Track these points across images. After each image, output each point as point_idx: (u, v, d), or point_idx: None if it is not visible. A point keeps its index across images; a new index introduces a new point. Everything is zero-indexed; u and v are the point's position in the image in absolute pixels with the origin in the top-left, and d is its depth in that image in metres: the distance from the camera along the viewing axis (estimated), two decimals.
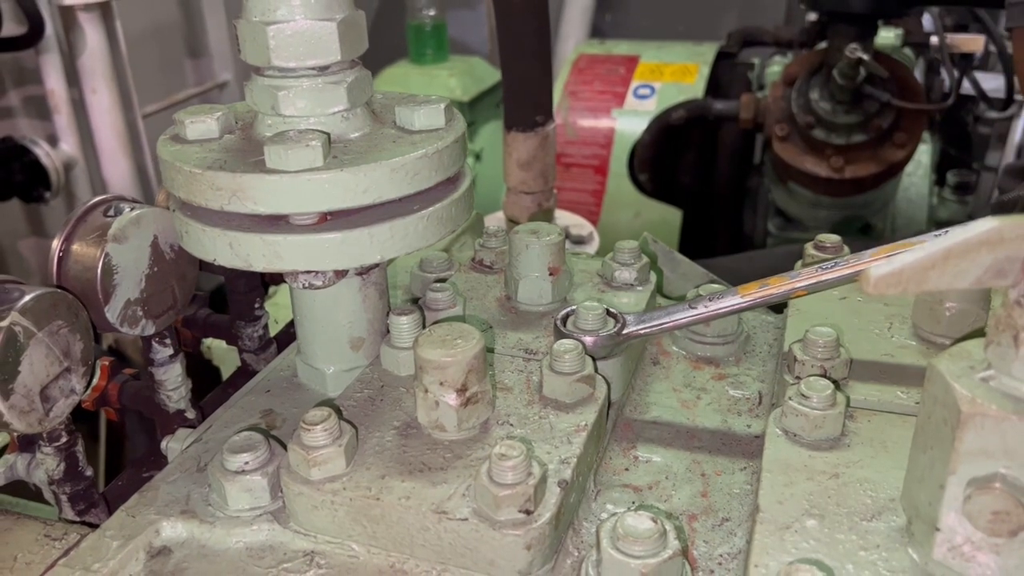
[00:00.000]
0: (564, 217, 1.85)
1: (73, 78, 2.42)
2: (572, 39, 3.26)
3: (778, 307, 0.83)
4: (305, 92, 0.65)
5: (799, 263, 0.83)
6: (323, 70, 0.65)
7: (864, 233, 2.40)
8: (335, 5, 0.64)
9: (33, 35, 2.28)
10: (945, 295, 0.71)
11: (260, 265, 0.64)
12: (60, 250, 0.70)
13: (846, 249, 0.84)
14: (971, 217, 2.28)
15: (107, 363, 0.79)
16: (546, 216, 1.51)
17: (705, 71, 2.54)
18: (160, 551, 0.60)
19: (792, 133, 2.16)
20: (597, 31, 3.45)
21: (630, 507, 0.63)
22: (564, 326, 0.72)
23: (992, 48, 2.62)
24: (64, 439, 0.71)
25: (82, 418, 0.73)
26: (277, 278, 0.89)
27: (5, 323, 0.61)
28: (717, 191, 2.58)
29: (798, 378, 0.66)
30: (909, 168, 2.35)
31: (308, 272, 0.67)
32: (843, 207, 2.31)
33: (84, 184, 2.59)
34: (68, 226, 0.70)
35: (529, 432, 0.62)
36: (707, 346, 0.82)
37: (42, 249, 2.69)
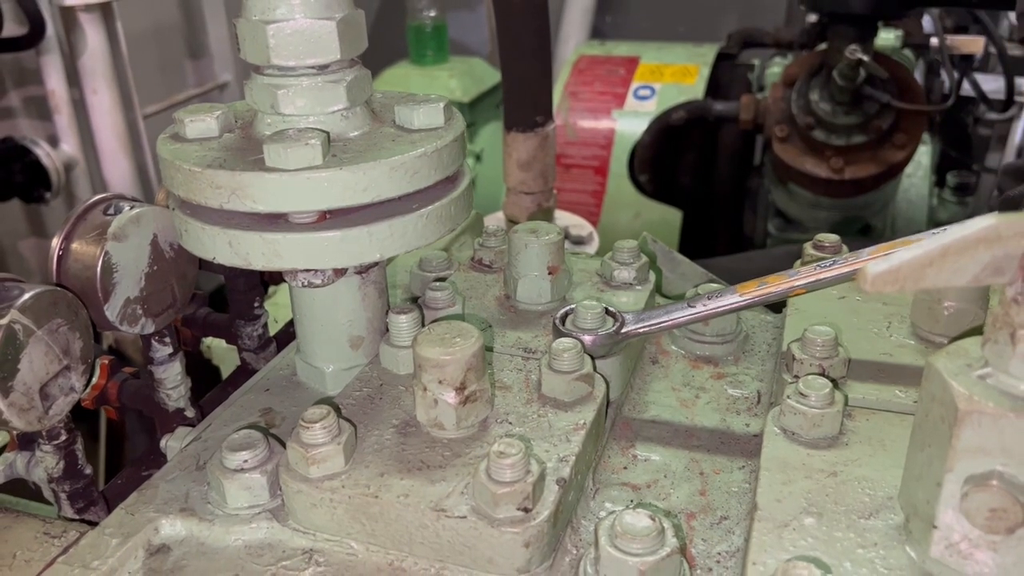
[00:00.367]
0: (564, 218, 1.85)
1: (74, 79, 2.42)
2: (573, 40, 3.27)
3: (777, 306, 0.83)
4: (304, 91, 0.65)
5: (798, 263, 0.83)
6: (322, 69, 0.66)
7: (864, 234, 2.40)
8: (335, 4, 0.64)
9: (34, 36, 2.28)
10: (944, 294, 0.71)
11: (259, 263, 0.64)
12: (60, 248, 0.70)
13: (845, 249, 0.84)
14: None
15: (107, 361, 0.79)
16: (546, 216, 1.52)
17: (705, 72, 2.54)
18: (159, 549, 0.60)
19: (792, 134, 2.16)
20: (597, 32, 3.45)
21: (629, 505, 0.63)
22: (563, 325, 0.72)
23: (992, 49, 2.62)
24: (63, 437, 0.71)
25: (83, 417, 0.73)
26: (277, 277, 0.89)
27: (5, 321, 0.61)
28: (717, 192, 2.58)
29: (796, 377, 0.66)
30: (909, 169, 2.35)
31: (307, 270, 0.67)
32: (843, 208, 2.31)
33: (84, 185, 2.59)
34: (68, 224, 0.70)
35: (528, 430, 0.62)
36: (706, 345, 0.82)
37: (42, 249, 2.69)
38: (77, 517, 0.73)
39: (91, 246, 0.70)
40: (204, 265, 0.79)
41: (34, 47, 2.34)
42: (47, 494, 0.74)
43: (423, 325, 0.70)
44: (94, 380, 0.78)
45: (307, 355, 0.77)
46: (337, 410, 0.63)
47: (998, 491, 0.44)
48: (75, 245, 0.70)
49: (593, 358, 0.67)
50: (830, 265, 0.64)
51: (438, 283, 0.79)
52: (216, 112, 0.68)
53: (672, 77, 2.56)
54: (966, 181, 2.58)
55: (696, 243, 2.50)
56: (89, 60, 2.34)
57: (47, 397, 0.65)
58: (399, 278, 0.94)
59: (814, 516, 0.53)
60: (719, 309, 0.69)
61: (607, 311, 0.72)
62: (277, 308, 1.34)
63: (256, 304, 0.88)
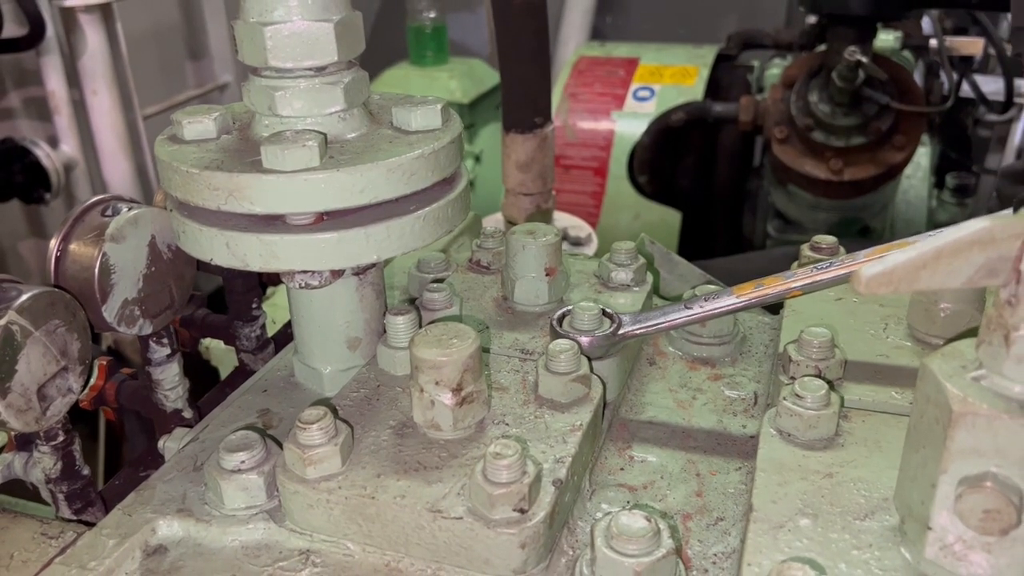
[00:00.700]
0: (563, 219, 1.85)
1: (74, 79, 2.42)
2: (572, 41, 3.27)
3: (774, 308, 0.83)
4: (302, 92, 0.66)
5: (795, 264, 0.83)
6: (320, 71, 0.66)
7: (863, 235, 2.40)
8: (332, 6, 0.65)
9: (34, 36, 2.29)
10: (940, 296, 0.71)
11: (257, 265, 0.64)
12: (58, 249, 0.70)
13: (842, 250, 0.84)
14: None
15: (104, 362, 0.79)
16: (545, 218, 1.52)
17: (705, 73, 2.54)
18: (156, 550, 0.60)
19: (791, 135, 2.16)
20: (597, 33, 3.45)
21: (625, 506, 0.63)
22: (560, 326, 0.72)
23: (991, 51, 2.62)
24: (61, 438, 0.71)
25: (82, 418, 0.73)
26: (275, 278, 0.89)
27: (2, 322, 0.61)
28: (716, 193, 2.58)
29: (793, 378, 0.66)
30: (908, 171, 2.35)
31: (305, 272, 0.67)
32: (842, 209, 2.31)
33: (84, 185, 2.59)
34: (66, 226, 0.71)
35: (524, 431, 0.62)
36: (703, 347, 0.82)
37: (42, 250, 2.69)
38: (75, 518, 0.73)
39: (89, 247, 0.70)
40: (202, 266, 0.79)
41: (34, 48, 2.34)
42: (45, 495, 0.74)
43: (420, 326, 0.71)
44: (92, 381, 0.78)
45: (305, 356, 0.77)
46: (334, 411, 0.63)
47: (992, 492, 0.45)
48: (73, 246, 0.70)
49: (590, 359, 0.67)
50: (827, 267, 0.65)
51: (436, 284, 0.80)
52: (214, 114, 0.68)
53: (672, 78, 2.56)
54: (965, 183, 2.58)
55: (695, 244, 2.50)
56: (89, 61, 2.34)
57: (44, 398, 0.66)
58: (397, 279, 0.94)
59: (810, 517, 0.53)
60: (716, 311, 0.69)
61: (604, 312, 0.72)
62: (275, 309, 1.34)
63: (254, 305, 0.88)
